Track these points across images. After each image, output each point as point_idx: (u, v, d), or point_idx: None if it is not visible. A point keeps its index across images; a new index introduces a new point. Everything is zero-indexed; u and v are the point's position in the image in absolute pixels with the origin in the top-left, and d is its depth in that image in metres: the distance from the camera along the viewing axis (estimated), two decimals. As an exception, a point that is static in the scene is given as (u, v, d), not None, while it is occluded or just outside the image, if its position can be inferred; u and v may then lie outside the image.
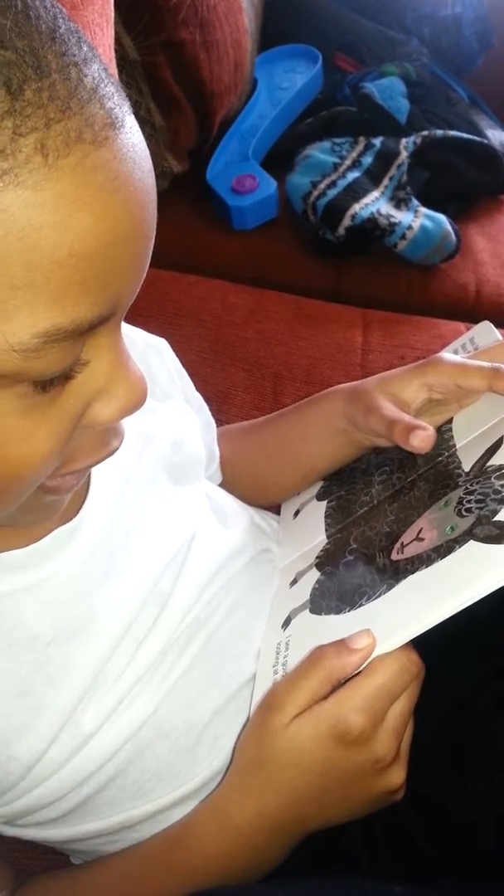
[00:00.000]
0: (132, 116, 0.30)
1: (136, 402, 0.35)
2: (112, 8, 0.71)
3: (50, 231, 0.27)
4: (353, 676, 0.42)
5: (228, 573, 0.51)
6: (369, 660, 0.42)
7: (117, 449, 0.38)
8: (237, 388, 0.85)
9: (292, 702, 0.42)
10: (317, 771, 0.42)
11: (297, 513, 0.61)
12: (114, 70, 0.75)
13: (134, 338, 0.54)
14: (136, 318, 0.56)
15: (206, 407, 0.61)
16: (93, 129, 0.27)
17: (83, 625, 0.43)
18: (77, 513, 0.44)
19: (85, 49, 0.29)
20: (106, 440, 0.37)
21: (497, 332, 0.58)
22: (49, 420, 0.32)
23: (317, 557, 0.54)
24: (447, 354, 0.53)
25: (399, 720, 0.43)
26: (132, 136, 0.30)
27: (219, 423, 0.64)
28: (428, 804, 0.50)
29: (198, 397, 0.60)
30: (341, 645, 0.42)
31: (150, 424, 0.51)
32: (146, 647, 0.46)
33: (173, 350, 0.58)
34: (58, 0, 0.57)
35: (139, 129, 0.31)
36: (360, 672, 0.42)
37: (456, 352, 0.60)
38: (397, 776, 0.44)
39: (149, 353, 0.55)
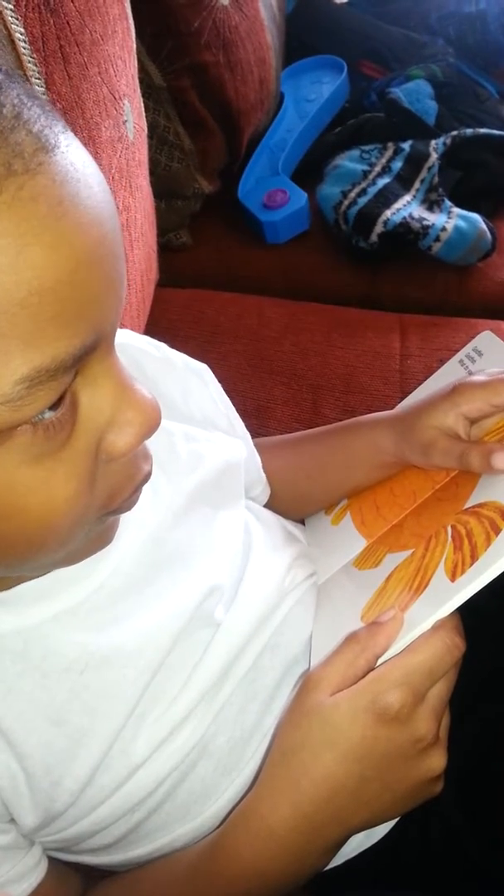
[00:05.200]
0: (68, 134, 0.29)
1: (149, 424, 0.33)
2: (133, 39, 0.73)
3: (2, 274, 0.25)
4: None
5: (283, 611, 0.50)
6: (408, 638, 0.41)
7: (150, 472, 0.37)
8: (276, 401, 0.86)
9: (327, 678, 0.41)
10: (354, 754, 0.40)
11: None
12: (138, 98, 0.76)
13: (175, 361, 0.54)
14: (174, 338, 0.57)
15: (248, 435, 0.60)
16: (22, 158, 0.26)
17: (114, 651, 0.42)
18: None
19: None
20: (136, 466, 0.36)
21: (499, 340, 0.59)
22: (64, 463, 0.31)
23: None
24: (474, 378, 0.52)
25: (439, 701, 0.41)
26: (70, 154, 0.28)
27: (260, 437, 0.63)
28: (485, 822, 0.49)
29: (241, 426, 0.59)
30: (372, 622, 0.42)
31: (192, 451, 0.50)
32: (198, 676, 0.45)
33: (212, 368, 0.58)
34: (80, 35, 0.59)
35: (79, 145, 0.29)
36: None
37: (461, 362, 0.61)
38: (438, 760, 0.41)
39: (190, 377, 0.55)
